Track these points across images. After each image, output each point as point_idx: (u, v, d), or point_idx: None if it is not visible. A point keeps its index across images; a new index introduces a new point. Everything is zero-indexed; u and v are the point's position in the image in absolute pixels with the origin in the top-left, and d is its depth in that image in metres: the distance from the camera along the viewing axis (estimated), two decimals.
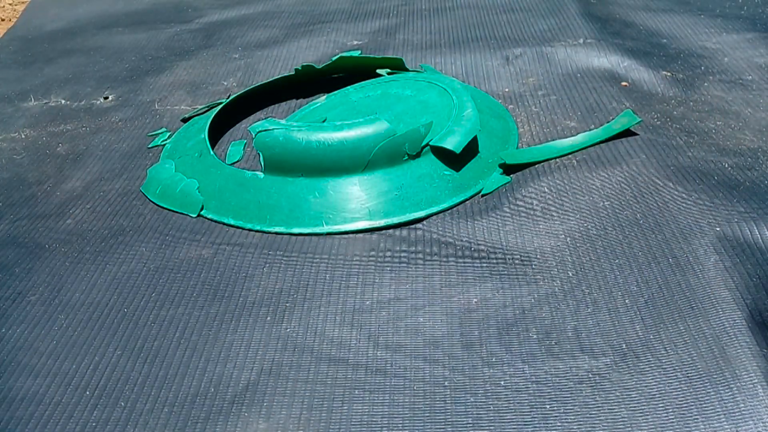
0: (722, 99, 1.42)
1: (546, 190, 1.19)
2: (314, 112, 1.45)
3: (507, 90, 1.54)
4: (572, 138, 1.32)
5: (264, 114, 1.57)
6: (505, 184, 1.23)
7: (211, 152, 1.33)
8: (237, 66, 1.80)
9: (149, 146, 1.47)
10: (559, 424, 0.81)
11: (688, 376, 0.85)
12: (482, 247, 1.09)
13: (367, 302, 1.02)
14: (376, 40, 1.88)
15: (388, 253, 1.10)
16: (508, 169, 1.26)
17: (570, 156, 1.27)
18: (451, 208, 1.19)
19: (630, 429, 0.80)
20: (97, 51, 1.99)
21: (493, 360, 0.90)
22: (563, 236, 1.10)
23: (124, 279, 1.10)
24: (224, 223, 1.21)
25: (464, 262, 1.07)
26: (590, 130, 1.34)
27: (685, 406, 0.82)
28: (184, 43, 1.98)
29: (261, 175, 1.25)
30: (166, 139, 1.48)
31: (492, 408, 0.84)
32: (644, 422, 0.81)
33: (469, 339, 0.94)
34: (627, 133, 1.31)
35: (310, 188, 1.21)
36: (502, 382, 0.87)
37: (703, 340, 0.90)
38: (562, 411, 0.83)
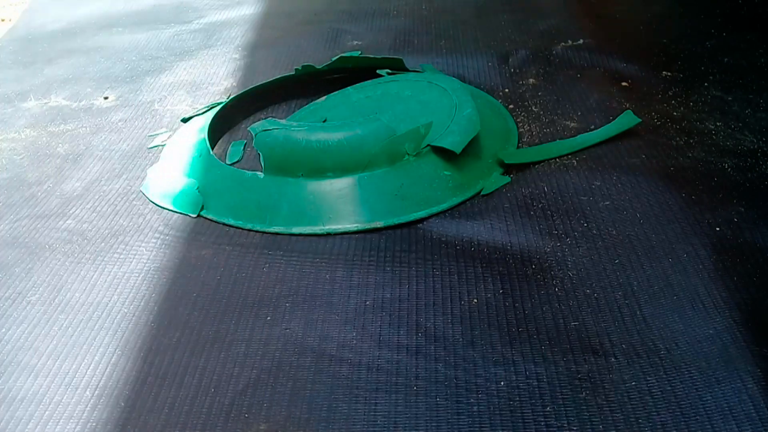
0: (722, 99, 1.42)
1: (546, 190, 1.19)
2: (314, 112, 1.45)
3: (507, 90, 1.54)
4: (572, 138, 1.32)
5: (264, 114, 1.57)
6: (505, 184, 1.23)
7: (211, 152, 1.33)
8: (237, 66, 1.80)
9: (149, 147, 1.47)
10: (559, 423, 0.81)
11: (688, 376, 0.85)
12: (482, 247, 1.09)
13: (368, 302, 1.02)
14: (377, 40, 1.88)
15: (389, 253, 1.10)
16: (508, 169, 1.26)
17: (570, 156, 1.27)
18: (451, 208, 1.19)
19: (630, 429, 0.80)
20: (97, 51, 1.98)
21: (494, 360, 0.90)
22: (563, 236, 1.10)
23: (124, 279, 1.10)
24: (224, 223, 1.21)
25: (464, 262, 1.07)
26: (590, 130, 1.34)
27: (685, 406, 0.82)
28: (184, 43, 1.98)
29: (261, 175, 1.25)
30: (166, 139, 1.48)
31: (493, 407, 0.84)
32: (644, 422, 0.81)
33: (469, 339, 0.94)
34: (627, 133, 1.31)
35: (310, 188, 1.21)
36: (502, 382, 0.87)
37: (703, 340, 0.90)
38: (562, 411, 0.83)
